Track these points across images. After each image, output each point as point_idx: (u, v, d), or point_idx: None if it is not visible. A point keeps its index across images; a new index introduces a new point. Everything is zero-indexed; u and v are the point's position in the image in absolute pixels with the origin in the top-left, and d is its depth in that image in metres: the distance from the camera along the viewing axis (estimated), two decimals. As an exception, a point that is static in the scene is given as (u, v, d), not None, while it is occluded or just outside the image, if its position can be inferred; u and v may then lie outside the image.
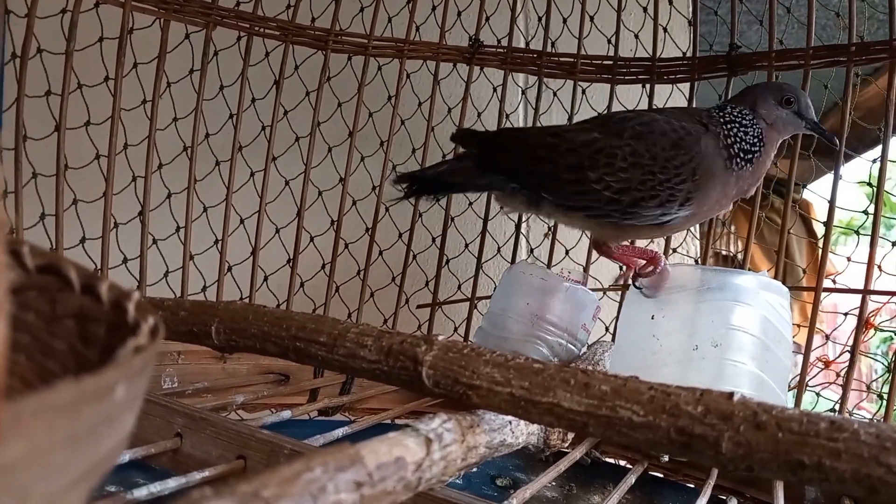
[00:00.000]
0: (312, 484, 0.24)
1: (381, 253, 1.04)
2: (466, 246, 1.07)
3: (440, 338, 0.47)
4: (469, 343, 0.47)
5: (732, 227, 1.63)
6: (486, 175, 0.75)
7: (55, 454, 0.18)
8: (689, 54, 0.97)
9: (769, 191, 1.23)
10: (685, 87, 0.98)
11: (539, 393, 0.41)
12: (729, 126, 0.72)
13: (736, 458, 0.35)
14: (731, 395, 0.36)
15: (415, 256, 1.04)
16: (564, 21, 1.05)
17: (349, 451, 0.28)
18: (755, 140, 0.72)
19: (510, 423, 0.49)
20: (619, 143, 0.70)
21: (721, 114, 0.73)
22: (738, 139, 0.71)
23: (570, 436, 0.60)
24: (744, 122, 0.72)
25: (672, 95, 0.99)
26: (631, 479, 0.54)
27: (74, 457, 0.19)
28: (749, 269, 0.87)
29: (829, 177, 0.83)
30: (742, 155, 0.71)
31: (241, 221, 0.96)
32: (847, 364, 0.77)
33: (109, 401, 0.20)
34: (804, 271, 1.02)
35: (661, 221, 0.72)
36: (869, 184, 0.81)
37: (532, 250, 1.08)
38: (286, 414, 0.62)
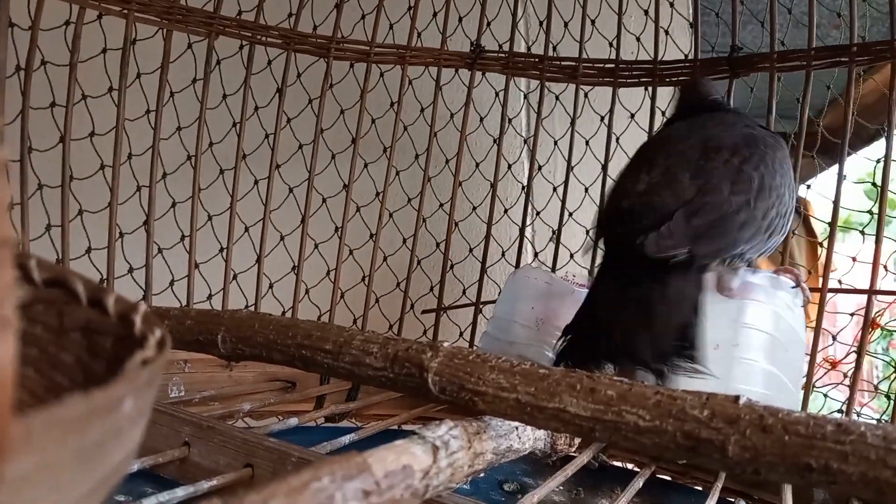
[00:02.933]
0: (321, 493, 0.24)
1: (385, 259, 1.04)
2: (471, 250, 1.07)
3: (445, 344, 0.47)
4: (474, 349, 0.48)
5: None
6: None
7: (65, 468, 0.18)
8: (690, 56, 0.97)
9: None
10: (687, 89, 0.98)
11: (545, 398, 0.41)
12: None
13: (743, 461, 0.35)
14: (736, 398, 0.36)
15: (419, 262, 1.04)
16: (566, 25, 1.05)
17: (357, 460, 0.28)
18: None
19: (517, 428, 0.49)
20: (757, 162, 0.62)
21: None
22: None
23: (577, 440, 0.60)
24: None
25: (674, 97, 0.99)
26: (639, 483, 0.54)
27: (84, 471, 0.19)
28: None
29: (827, 174, 0.83)
30: None
31: (246, 229, 0.96)
32: (854, 364, 0.76)
33: (118, 414, 0.20)
34: (809, 272, 1.01)
35: (786, 234, 0.68)
36: (873, 184, 0.81)
37: (537, 254, 1.08)
38: (293, 421, 0.62)
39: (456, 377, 0.45)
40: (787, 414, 0.35)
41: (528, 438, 0.51)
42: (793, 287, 0.71)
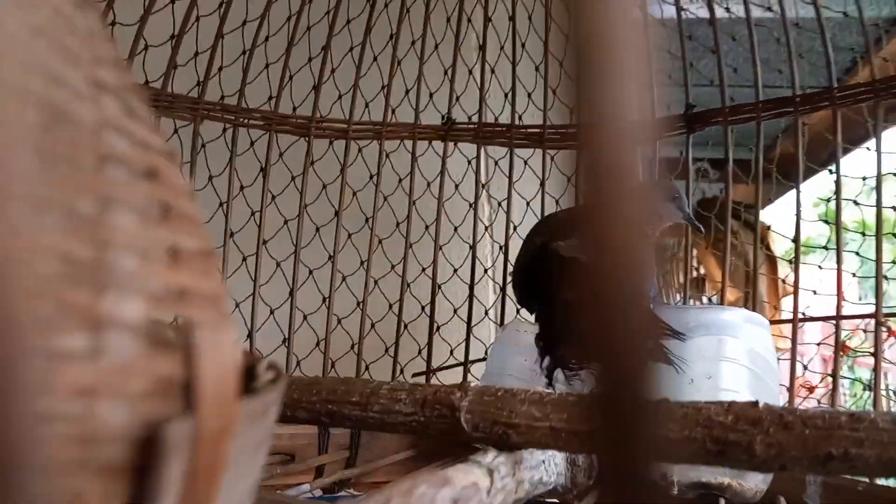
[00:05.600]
0: (424, 497, 0.27)
1: (373, 325, 1.06)
2: (455, 311, 1.10)
3: (472, 384, 0.49)
4: (502, 386, 0.50)
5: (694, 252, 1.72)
6: None
7: (244, 457, 0.20)
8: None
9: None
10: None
11: (578, 423, 0.44)
12: None
13: (769, 458, 0.38)
14: (755, 403, 0.40)
15: (406, 326, 1.06)
16: (529, 95, 1.12)
17: (440, 474, 0.30)
18: None
19: (543, 462, 0.51)
20: None
21: None
22: None
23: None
24: None
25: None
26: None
27: (250, 466, 0.21)
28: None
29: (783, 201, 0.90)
30: None
31: (237, 305, 0.97)
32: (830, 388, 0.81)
33: (267, 420, 0.23)
34: (775, 308, 1.07)
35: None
36: (826, 221, 0.88)
37: (518, 310, 1.12)
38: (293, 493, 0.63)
39: (488, 413, 0.47)
40: (804, 411, 0.39)
41: (553, 472, 0.53)
42: None
